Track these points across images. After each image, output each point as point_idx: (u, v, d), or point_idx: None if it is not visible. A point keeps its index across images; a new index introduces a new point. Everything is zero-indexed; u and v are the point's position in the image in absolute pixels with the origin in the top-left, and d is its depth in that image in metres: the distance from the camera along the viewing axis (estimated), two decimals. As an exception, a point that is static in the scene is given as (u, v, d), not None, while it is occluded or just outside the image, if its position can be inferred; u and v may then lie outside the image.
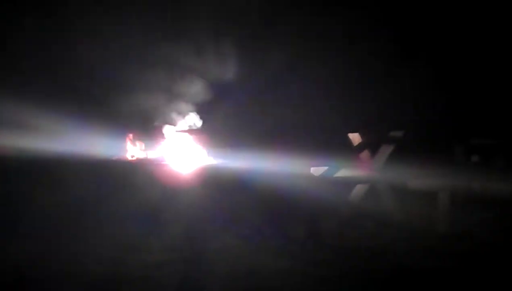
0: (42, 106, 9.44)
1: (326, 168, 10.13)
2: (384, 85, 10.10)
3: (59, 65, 9.87)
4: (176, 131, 10.31)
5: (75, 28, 9.79)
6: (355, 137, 10.45)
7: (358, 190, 10.31)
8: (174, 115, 10.34)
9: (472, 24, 10.09)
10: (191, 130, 10.32)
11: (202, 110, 10.29)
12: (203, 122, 10.33)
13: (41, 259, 7.56)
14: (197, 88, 10.22)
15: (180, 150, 10.27)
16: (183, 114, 10.36)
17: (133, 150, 10.30)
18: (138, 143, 10.35)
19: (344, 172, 10.19)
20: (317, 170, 10.13)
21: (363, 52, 9.96)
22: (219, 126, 10.15)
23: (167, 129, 10.30)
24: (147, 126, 10.29)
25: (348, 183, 10.26)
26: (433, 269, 7.67)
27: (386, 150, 10.27)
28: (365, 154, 10.42)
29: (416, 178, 10.17)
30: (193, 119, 10.34)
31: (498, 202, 10.23)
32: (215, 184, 9.61)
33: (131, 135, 10.25)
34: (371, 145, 10.44)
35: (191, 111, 10.33)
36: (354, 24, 9.93)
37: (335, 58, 10.02)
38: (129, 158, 10.29)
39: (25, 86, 9.65)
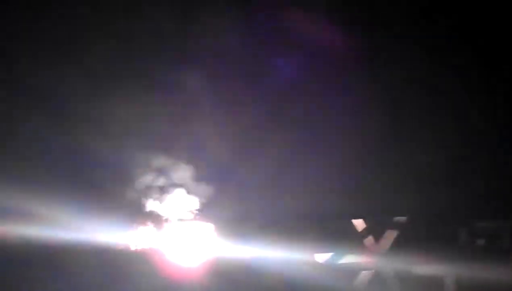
0: (45, 194, 9.46)
1: (330, 254, 10.11)
2: (386, 172, 10.15)
3: (62, 153, 9.93)
4: (180, 220, 10.33)
5: (78, 115, 9.89)
6: (359, 224, 10.46)
7: (363, 277, 10.25)
8: (177, 204, 10.36)
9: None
10: (194, 219, 10.33)
11: (205, 198, 10.32)
12: (207, 211, 10.34)
13: None
14: (200, 175, 10.27)
15: (183, 239, 10.27)
16: (186, 203, 10.39)
17: (137, 239, 10.29)
18: (142, 232, 10.35)
19: (349, 258, 10.17)
20: (322, 256, 10.12)
21: (364, 138, 10.05)
22: (222, 215, 10.16)
23: (170, 218, 10.32)
24: (151, 215, 10.31)
25: (353, 270, 10.21)
26: None
27: (390, 236, 10.28)
28: (369, 240, 10.42)
29: (421, 263, 10.13)
30: (196, 208, 10.37)
31: (505, 285, 10.12)
32: (219, 274, 9.58)
33: (136, 224, 10.25)
34: (375, 231, 10.44)
35: (195, 199, 10.36)
36: (356, 112, 10.05)
37: (337, 144, 10.09)
38: (133, 248, 10.27)
39: (28, 174, 9.70)
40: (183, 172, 10.26)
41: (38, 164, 9.82)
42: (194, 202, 10.38)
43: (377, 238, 10.39)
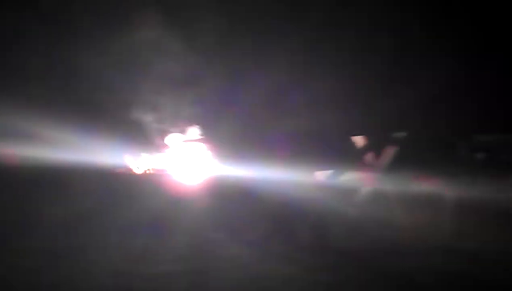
0: (46, 115, 9.45)
1: (330, 172, 10.14)
2: (385, 87, 10.07)
3: (63, 73, 9.88)
4: (180, 141, 10.33)
5: (81, 35, 9.79)
6: (358, 140, 10.46)
7: (363, 193, 10.30)
8: (178, 125, 10.35)
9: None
10: (195, 140, 10.34)
11: (206, 119, 10.29)
12: (207, 132, 10.34)
13: (46, 271, 7.56)
14: (201, 96, 10.22)
15: (184, 160, 10.30)
16: (187, 123, 10.37)
17: (137, 161, 10.33)
18: (142, 154, 10.38)
19: (349, 175, 10.19)
20: (322, 174, 10.15)
21: (365, 58, 9.94)
22: (223, 136, 10.16)
23: (171, 139, 10.32)
24: (152, 136, 10.31)
25: (353, 187, 10.25)
26: (440, 270, 7.68)
27: (390, 152, 10.28)
28: (369, 157, 10.42)
29: (421, 179, 10.16)
30: (197, 129, 10.36)
31: (505, 199, 10.15)
32: (220, 194, 9.64)
33: (136, 146, 10.26)
34: (375, 147, 10.44)
35: (195, 120, 10.34)
36: (357, 34, 9.92)
37: (338, 64, 10.00)
38: (134, 169, 10.32)
39: (29, 95, 9.67)
40: (184, 94, 10.23)
41: (41, 85, 9.78)
42: (194, 124, 10.38)
43: (377, 154, 10.39)
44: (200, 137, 10.42)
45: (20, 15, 9.70)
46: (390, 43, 10.05)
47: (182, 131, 10.40)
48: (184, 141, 10.40)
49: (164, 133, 10.36)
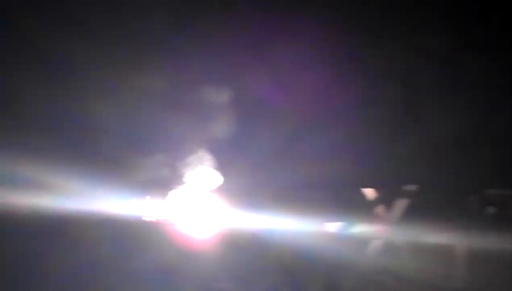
0: (58, 164, 9.47)
1: (341, 224, 10.12)
2: (397, 140, 10.13)
3: (75, 123, 9.91)
4: (192, 191, 10.35)
5: (90, 85, 9.87)
6: (369, 193, 10.47)
7: (374, 246, 10.27)
8: (190, 176, 10.37)
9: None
10: (207, 191, 10.35)
11: (218, 170, 10.33)
12: (219, 183, 10.35)
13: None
14: (211, 146, 10.27)
15: (195, 210, 10.29)
16: (199, 174, 10.40)
17: (150, 210, 10.32)
18: (156, 204, 10.37)
19: (360, 228, 10.17)
20: (332, 226, 10.13)
21: (377, 110, 10.03)
22: (235, 187, 10.17)
23: (183, 190, 10.34)
24: (164, 186, 10.33)
25: (364, 239, 10.23)
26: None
27: (400, 205, 10.28)
28: (380, 209, 10.42)
29: (431, 232, 10.14)
30: (209, 179, 10.38)
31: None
32: (230, 244, 9.61)
33: (148, 196, 10.26)
34: (386, 200, 10.45)
35: (207, 171, 10.37)
36: (368, 83, 10.01)
37: (349, 114, 10.08)
38: (146, 219, 10.31)
39: (41, 145, 9.69)
40: (195, 143, 10.27)
41: (46, 131, 9.80)
42: (206, 173, 10.40)
43: (388, 207, 10.39)
44: (211, 186, 10.42)
45: (23, 64, 9.79)
46: (403, 96, 10.15)
47: (192, 181, 10.41)
48: (194, 190, 10.41)
49: (174, 182, 10.38)
